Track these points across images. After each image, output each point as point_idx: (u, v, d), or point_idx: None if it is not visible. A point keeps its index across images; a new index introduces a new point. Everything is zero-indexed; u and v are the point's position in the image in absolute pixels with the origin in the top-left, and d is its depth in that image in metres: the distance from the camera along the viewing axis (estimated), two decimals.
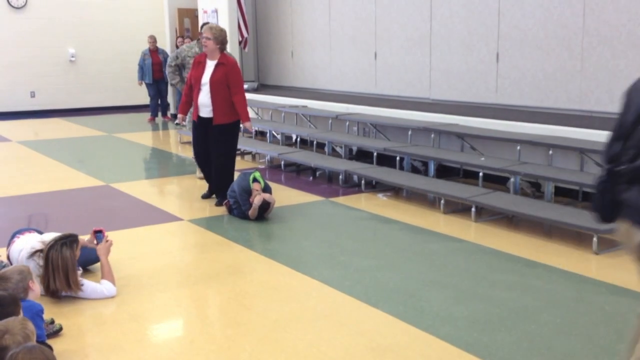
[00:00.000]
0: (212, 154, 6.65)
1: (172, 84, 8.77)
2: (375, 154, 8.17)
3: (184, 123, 7.29)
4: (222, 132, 6.56)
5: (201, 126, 6.60)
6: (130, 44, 16.07)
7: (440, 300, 4.19)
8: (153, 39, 13.80)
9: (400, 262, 4.97)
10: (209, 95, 6.43)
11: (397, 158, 7.91)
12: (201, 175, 7.75)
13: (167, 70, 8.50)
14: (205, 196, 6.95)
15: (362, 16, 10.68)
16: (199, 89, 6.48)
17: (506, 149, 7.17)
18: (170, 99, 14.24)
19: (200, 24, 13.27)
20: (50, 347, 3.32)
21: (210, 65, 6.45)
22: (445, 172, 7.87)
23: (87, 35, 15.92)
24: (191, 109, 6.81)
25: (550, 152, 6.68)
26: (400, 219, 6.17)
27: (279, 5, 12.76)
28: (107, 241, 4.51)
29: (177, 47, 13.29)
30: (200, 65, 6.50)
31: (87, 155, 10.20)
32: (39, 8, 15.39)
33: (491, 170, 6.85)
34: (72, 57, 15.69)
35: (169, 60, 8.54)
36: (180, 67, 8.39)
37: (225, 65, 6.44)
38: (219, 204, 6.66)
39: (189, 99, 6.73)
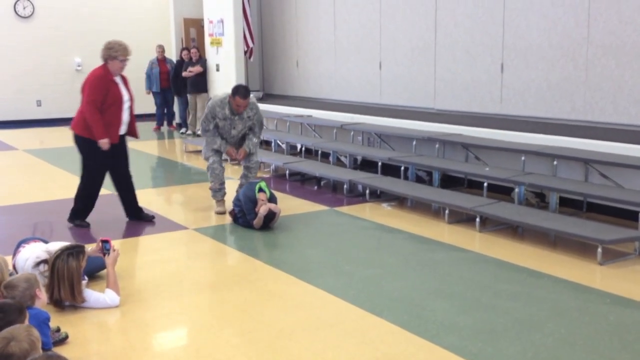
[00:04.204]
0: (126, 171, 6.45)
1: (215, 149, 6.81)
2: (379, 163, 8.18)
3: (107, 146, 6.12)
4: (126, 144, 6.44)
5: (118, 146, 6.23)
6: (136, 54, 15.92)
7: (444, 310, 4.20)
8: (161, 49, 13.87)
9: (404, 272, 4.98)
10: (129, 111, 6.23)
11: (402, 168, 7.93)
12: (221, 209, 6.82)
13: (206, 135, 6.80)
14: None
15: (366, 26, 10.73)
16: (121, 109, 6.11)
17: (511, 159, 7.18)
18: (176, 108, 14.29)
19: (206, 33, 13.36)
20: None
21: (119, 82, 6.14)
22: (449, 182, 7.87)
23: (94, 44, 15.81)
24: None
25: (555, 162, 6.68)
26: (404, 229, 6.18)
27: (284, 15, 12.82)
28: (114, 251, 4.54)
29: (181, 58, 13.35)
30: (113, 83, 6.06)
31: None
32: (46, 18, 15.49)
33: (496, 180, 6.86)
34: (79, 66, 15.78)
35: (204, 124, 6.79)
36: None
37: (125, 79, 6.28)
38: (151, 217, 6.56)
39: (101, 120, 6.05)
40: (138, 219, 6.60)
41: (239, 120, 6.71)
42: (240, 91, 6.52)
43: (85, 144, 6.14)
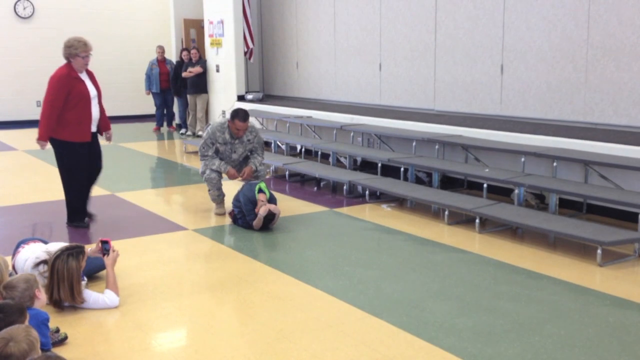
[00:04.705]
0: (96, 167, 6.44)
1: (214, 169, 6.71)
2: (379, 164, 8.19)
3: (45, 148, 6.23)
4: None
5: (92, 144, 6.28)
6: (136, 55, 16.17)
7: (444, 311, 4.20)
8: (162, 49, 13.88)
9: (404, 273, 4.98)
10: (97, 107, 6.26)
11: (402, 169, 7.93)
12: (221, 210, 6.81)
13: (204, 159, 6.74)
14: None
15: (366, 27, 10.73)
16: (89, 105, 6.12)
17: (510, 161, 7.18)
18: (175, 109, 14.30)
19: (206, 34, 13.37)
20: None
21: (84, 78, 6.17)
22: (449, 183, 7.88)
23: (93, 45, 15.85)
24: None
25: (555, 163, 6.69)
26: (404, 230, 6.18)
27: (285, 16, 12.83)
28: (114, 251, 4.54)
29: (181, 59, 13.35)
30: (77, 80, 6.08)
31: None
32: (46, 18, 15.50)
33: (495, 181, 6.87)
34: None
35: (202, 150, 6.74)
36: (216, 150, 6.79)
37: (92, 74, 6.32)
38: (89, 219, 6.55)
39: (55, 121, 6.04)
40: (72, 220, 6.42)
41: (239, 144, 6.75)
42: (240, 115, 6.55)
43: (58, 145, 6.18)
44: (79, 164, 6.23)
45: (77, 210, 6.39)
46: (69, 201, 6.38)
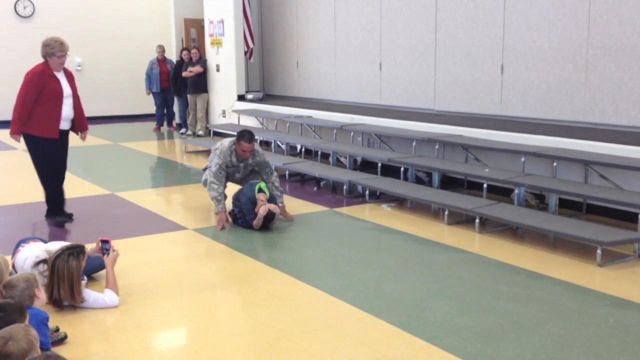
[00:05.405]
0: (64, 165, 6.54)
1: (212, 197, 6.43)
2: (379, 164, 8.18)
3: (20, 141, 6.31)
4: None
5: (59, 140, 6.36)
6: (136, 54, 16.16)
7: (444, 311, 4.20)
8: (162, 49, 13.87)
9: (404, 273, 4.98)
10: (71, 106, 6.35)
11: (402, 169, 7.93)
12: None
13: (212, 183, 6.42)
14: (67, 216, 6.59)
15: (367, 27, 10.73)
16: (61, 103, 6.21)
17: (510, 161, 7.18)
18: (175, 108, 14.30)
19: (206, 34, 13.37)
20: None
21: (61, 77, 6.26)
22: (449, 183, 7.88)
23: (94, 45, 16.01)
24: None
25: (555, 163, 6.69)
26: (404, 230, 6.18)
27: (285, 16, 12.83)
28: (114, 251, 4.54)
29: (182, 58, 13.34)
30: (52, 78, 6.17)
31: (93, 163, 10.24)
32: (46, 17, 15.50)
33: (495, 181, 6.86)
34: (79, 66, 15.79)
35: (218, 173, 6.41)
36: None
37: (70, 74, 6.44)
38: (69, 216, 6.62)
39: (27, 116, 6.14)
40: (54, 215, 6.52)
41: (244, 167, 6.67)
42: (246, 136, 6.40)
43: (28, 139, 6.26)
44: (49, 159, 6.34)
45: (57, 203, 6.49)
46: (47, 194, 6.50)
